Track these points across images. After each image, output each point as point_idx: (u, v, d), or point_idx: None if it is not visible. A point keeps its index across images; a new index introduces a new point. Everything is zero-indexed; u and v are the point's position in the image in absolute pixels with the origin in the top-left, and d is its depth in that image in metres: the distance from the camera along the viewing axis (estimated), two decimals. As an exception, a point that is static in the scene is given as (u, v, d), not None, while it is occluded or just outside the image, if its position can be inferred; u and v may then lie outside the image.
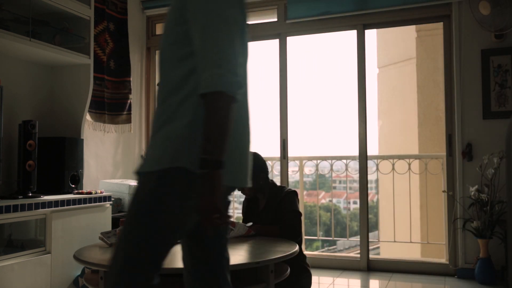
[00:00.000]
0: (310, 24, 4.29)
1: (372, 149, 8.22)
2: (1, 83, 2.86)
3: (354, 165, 4.43)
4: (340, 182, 6.04)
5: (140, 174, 1.34)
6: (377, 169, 4.47)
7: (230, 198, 1.58)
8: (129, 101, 4.17)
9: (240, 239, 2.63)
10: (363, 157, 4.16)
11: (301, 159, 4.68)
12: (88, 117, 3.72)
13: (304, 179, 4.80)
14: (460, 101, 3.79)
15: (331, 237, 5.15)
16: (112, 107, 4.01)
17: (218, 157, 1.21)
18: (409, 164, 4.32)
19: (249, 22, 4.76)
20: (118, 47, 4.11)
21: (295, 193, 2.87)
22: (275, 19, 4.44)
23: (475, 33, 3.76)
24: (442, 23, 3.99)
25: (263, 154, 2.96)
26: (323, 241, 7.12)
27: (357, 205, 4.23)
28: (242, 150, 1.41)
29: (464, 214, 3.70)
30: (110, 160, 4.11)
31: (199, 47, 1.27)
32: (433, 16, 4.02)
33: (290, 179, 4.54)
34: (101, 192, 3.28)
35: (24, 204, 2.68)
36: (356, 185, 4.24)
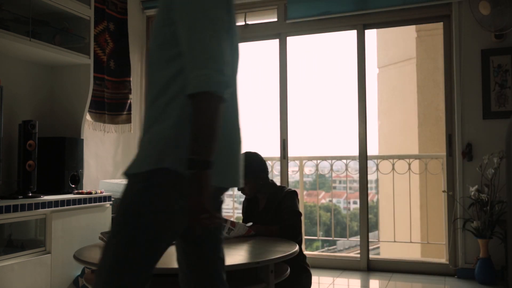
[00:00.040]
0: (310, 24, 4.29)
1: (372, 149, 8.23)
2: (1, 83, 2.86)
3: (354, 165, 4.43)
4: (340, 182, 6.04)
5: (128, 175, 1.34)
6: (377, 169, 4.47)
7: (224, 198, 1.57)
8: (129, 101, 4.17)
9: (240, 239, 2.63)
10: (363, 157, 4.16)
11: (301, 159, 4.68)
12: (88, 117, 3.72)
13: (304, 179, 4.80)
14: (460, 101, 3.79)
15: (331, 237, 5.15)
16: (112, 107, 4.01)
17: (206, 157, 1.21)
18: (409, 164, 4.32)
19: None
20: (118, 47, 4.11)
21: (295, 193, 2.87)
22: (275, 19, 4.45)
23: (475, 33, 3.76)
24: (442, 23, 3.99)
25: (263, 154, 2.96)
26: (323, 241, 7.12)
27: (357, 205, 4.23)
28: (231, 150, 1.41)
29: (464, 214, 3.70)
30: (110, 160, 4.11)
31: (186, 47, 1.27)
32: (433, 16, 4.02)
33: (290, 179, 4.54)
34: (101, 192, 3.28)
35: (24, 204, 2.68)
36: (356, 185, 4.24)
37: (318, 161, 4.63)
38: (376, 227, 7.56)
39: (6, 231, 2.74)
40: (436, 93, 6.35)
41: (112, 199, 3.45)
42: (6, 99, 3.00)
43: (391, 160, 4.40)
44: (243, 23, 4.55)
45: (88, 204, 3.14)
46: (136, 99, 4.46)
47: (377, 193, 7.86)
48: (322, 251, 5.97)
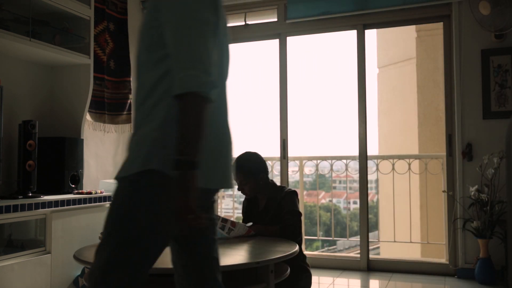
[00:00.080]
0: (310, 24, 4.29)
1: (372, 149, 8.23)
2: (1, 83, 2.86)
3: (354, 165, 4.43)
4: (340, 182, 6.04)
5: (118, 179, 1.35)
6: (377, 169, 4.47)
7: (216, 198, 1.56)
8: (129, 101, 4.17)
9: (240, 239, 2.63)
10: (363, 157, 4.16)
11: (301, 159, 4.68)
12: (88, 117, 3.72)
13: (304, 179, 4.80)
14: (460, 101, 3.79)
15: (331, 237, 5.15)
16: (112, 107, 4.01)
17: (192, 158, 1.21)
18: (409, 164, 4.32)
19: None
20: (118, 47, 4.11)
21: (295, 193, 2.87)
22: (275, 19, 4.45)
23: (475, 33, 3.76)
24: (442, 23, 3.99)
25: (263, 154, 2.96)
26: (323, 241, 7.12)
27: (357, 205, 4.23)
28: (220, 151, 1.40)
29: (464, 214, 3.70)
30: (110, 160, 4.11)
31: (172, 49, 1.27)
32: (433, 16, 4.02)
33: (290, 179, 4.54)
34: (101, 192, 3.28)
35: (24, 204, 2.68)
36: (356, 185, 4.24)
37: (318, 161, 4.63)
38: (376, 227, 7.56)
39: (6, 231, 2.74)
40: (436, 93, 6.35)
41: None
42: (6, 99, 3.00)
43: (391, 160, 4.40)
44: (243, 23, 4.55)
45: (88, 204, 3.14)
46: (136, 99, 4.45)
47: (377, 193, 7.86)
48: (322, 251, 5.97)
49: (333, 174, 4.66)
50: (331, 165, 4.57)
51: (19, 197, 2.78)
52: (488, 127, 3.71)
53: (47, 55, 3.18)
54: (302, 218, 2.94)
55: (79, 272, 3.03)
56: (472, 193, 3.58)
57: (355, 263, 4.10)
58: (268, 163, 4.40)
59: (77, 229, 3.06)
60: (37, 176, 2.98)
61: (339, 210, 10.24)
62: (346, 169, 4.59)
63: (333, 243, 8.60)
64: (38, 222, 2.87)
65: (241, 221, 2.95)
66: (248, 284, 2.19)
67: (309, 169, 4.76)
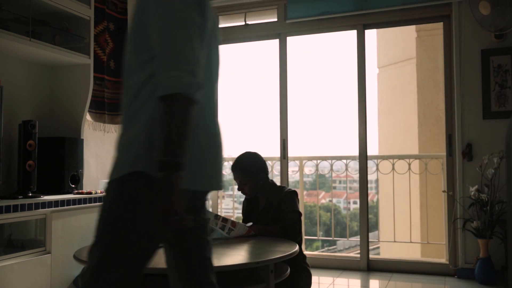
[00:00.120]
0: (310, 24, 4.29)
1: (372, 149, 8.23)
2: (1, 83, 2.86)
3: (354, 165, 4.43)
4: (340, 182, 6.04)
5: (107, 183, 1.36)
6: (377, 169, 4.47)
7: (207, 199, 1.56)
8: (129, 101, 4.17)
9: (240, 239, 2.63)
10: (363, 157, 4.16)
11: (301, 159, 4.68)
12: (88, 117, 3.72)
13: (304, 179, 4.80)
14: (460, 101, 3.79)
15: (331, 237, 5.15)
16: (112, 107, 4.01)
17: (176, 159, 1.20)
18: (409, 164, 4.32)
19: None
20: (118, 47, 4.11)
21: (295, 193, 2.87)
22: (275, 19, 4.45)
23: (475, 33, 3.76)
24: (442, 23, 3.99)
25: (263, 154, 2.96)
26: (323, 241, 7.12)
27: (357, 205, 4.23)
28: (207, 153, 1.40)
29: (464, 214, 3.70)
30: (110, 160, 4.09)
31: (157, 50, 1.27)
32: (433, 16, 4.02)
33: (290, 179, 4.54)
34: (101, 192, 3.27)
35: (24, 204, 2.68)
36: (356, 185, 4.24)
37: (318, 161, 4.63)
38: (376, 227, 7.55)
39: (6, 231, 2.74)
40: (436, 93, 6.35)
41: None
42: (6, 99, 3.00)
43: (391, 160, 4.40)
44: (243, 23, 4.55)
45: (88, 204, 3.14)
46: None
47: (377, 193, 7.86)
48: (322, 251, 5.97)
49: (333, 174, 4.66)
50: (331, 165, 4.57)
51: (19, 197, 2.78)
52: (488, 127, 3.71)
53: (47, 55, 3.18)
54: (302, 218, 2.94)
55: (79, 272, 3.03)
56: (472, 193, 3.59)
57: (355, 263, 4.10)
58: (268, 163, 4.40)
59: (77, 229, 3.06)
60: (37, 176, 2.97)
61: (339, 210, 10.24)
62: (346, 169, 4.59)
63: (333, 243, 8.59)
64: (38, 222, 2.87)
65: (241, 221, 2.95)
66: (248, 284, 2.19)
67: (309, 169, 4.76)
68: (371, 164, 4.32)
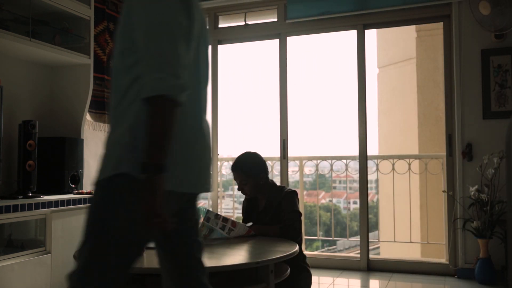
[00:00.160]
0: (310, 24, 4.29)
1: (372, 149, 8.22)
2: (1, 83, 2.86)
3: (354, 165, 4.43)
4: (340, 182, 6.04)
5: (94, 184, 1.37)
6: (377, 169, 4.47)
7: (196, 203, 1.55)
8: (129, 101, 4.17)
9: (240, 239, 2.63)
10: (363, 157, 4.16)
11: (301, 159, 4.68)
12: (88, 117, 3.72)
13: (304, 179, 4.80)
14: (460, 101, 3.79)
15: (331, 237, 5.15)
16: (112, 107, 4.01)
17: (159, 161, 1.20)
18: (409, 164, 4.32)
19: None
20: (118, 47, 4.11)
21: (295, 193, 2.86)
22: (275, 19, 4.45)
23: (475, 33, 3.76)
24: (442, 23, 3.99)
25: (263, 154, 2.96)
26: (323, 241, 7.12)
27: (357, 205, 4.23)
28: (193, 155, 1.39)
29: (464, 214, 3.70)
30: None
31: (142, 52, 1.27)
32: (433, 16, 4.02)
33: (290, 179, 4.54)
34: (101, 192, 3.27)
35: (24, 204, 2.68)
36: (356, 185, 4.24)
37: (318, 161, 4.63)
38: (376, 227, 7.55)
39: (6, 231, 2.74)
40: (436, 93, 6.35)
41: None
42: (6, 99, 3.00)
43: (391, 160, 4.40)
44: (243, 23, 4.55)
45: (88, 204, 3.14)
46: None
47: (377, 193, 7.85)
48: (322, 251, 5.97)
49: (333, 174, 4.66)
50: (331, 165, 4.57)
51: (19, 197, 2.78)
52: (488, 127, 3.71)
53: (47, 55, 3.18)
54: (302, 218, 2.94)
55: (79, 272, 3.03)
56: (472, 193, 3.58)
57: (355, 263, 4.10)
58: (268, 163, 4.40)
59: (77, 229, 3.06)
60: (37, 176, 2.98)
61: (339, 210, 10.24)
62: (346, 169, 4.59)
63: (333, 243, 8.59)
64: (38, 222, 2.87)
65: (241, 221, 2.95)
66: (248, 284, 2.19)
67: (309, 169, 4.76)
68: (371, 164, 4.32)
